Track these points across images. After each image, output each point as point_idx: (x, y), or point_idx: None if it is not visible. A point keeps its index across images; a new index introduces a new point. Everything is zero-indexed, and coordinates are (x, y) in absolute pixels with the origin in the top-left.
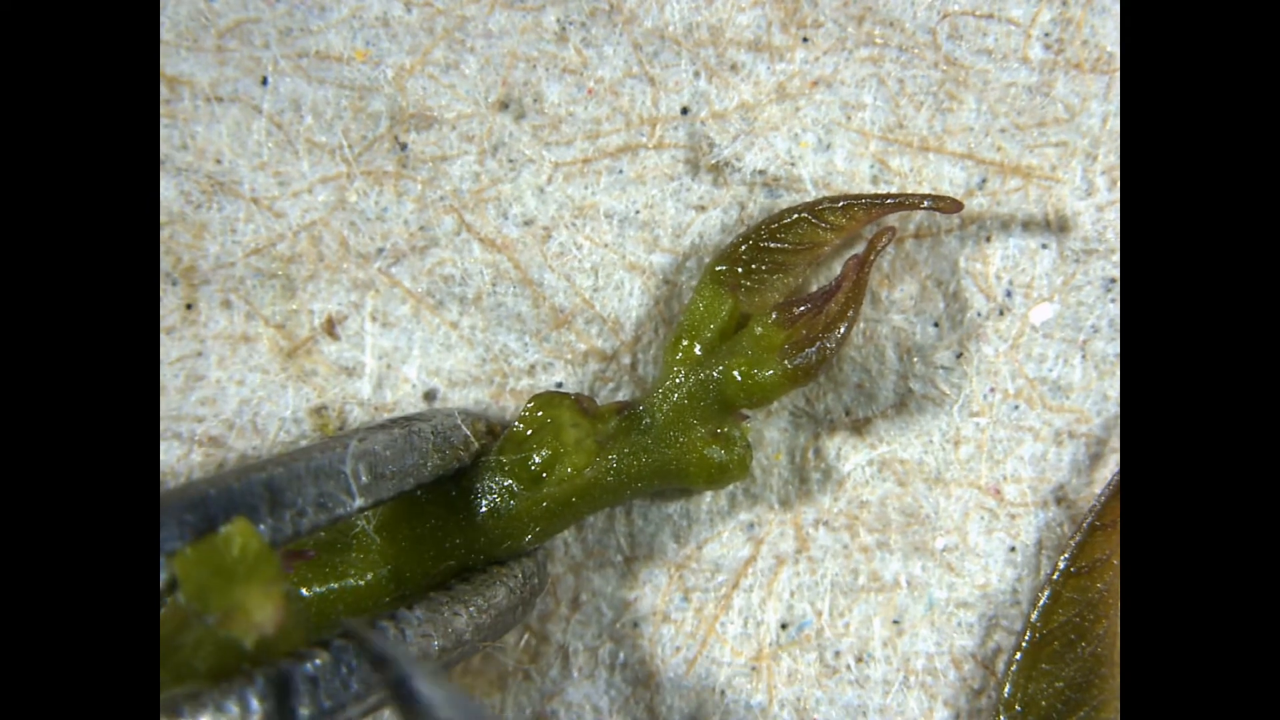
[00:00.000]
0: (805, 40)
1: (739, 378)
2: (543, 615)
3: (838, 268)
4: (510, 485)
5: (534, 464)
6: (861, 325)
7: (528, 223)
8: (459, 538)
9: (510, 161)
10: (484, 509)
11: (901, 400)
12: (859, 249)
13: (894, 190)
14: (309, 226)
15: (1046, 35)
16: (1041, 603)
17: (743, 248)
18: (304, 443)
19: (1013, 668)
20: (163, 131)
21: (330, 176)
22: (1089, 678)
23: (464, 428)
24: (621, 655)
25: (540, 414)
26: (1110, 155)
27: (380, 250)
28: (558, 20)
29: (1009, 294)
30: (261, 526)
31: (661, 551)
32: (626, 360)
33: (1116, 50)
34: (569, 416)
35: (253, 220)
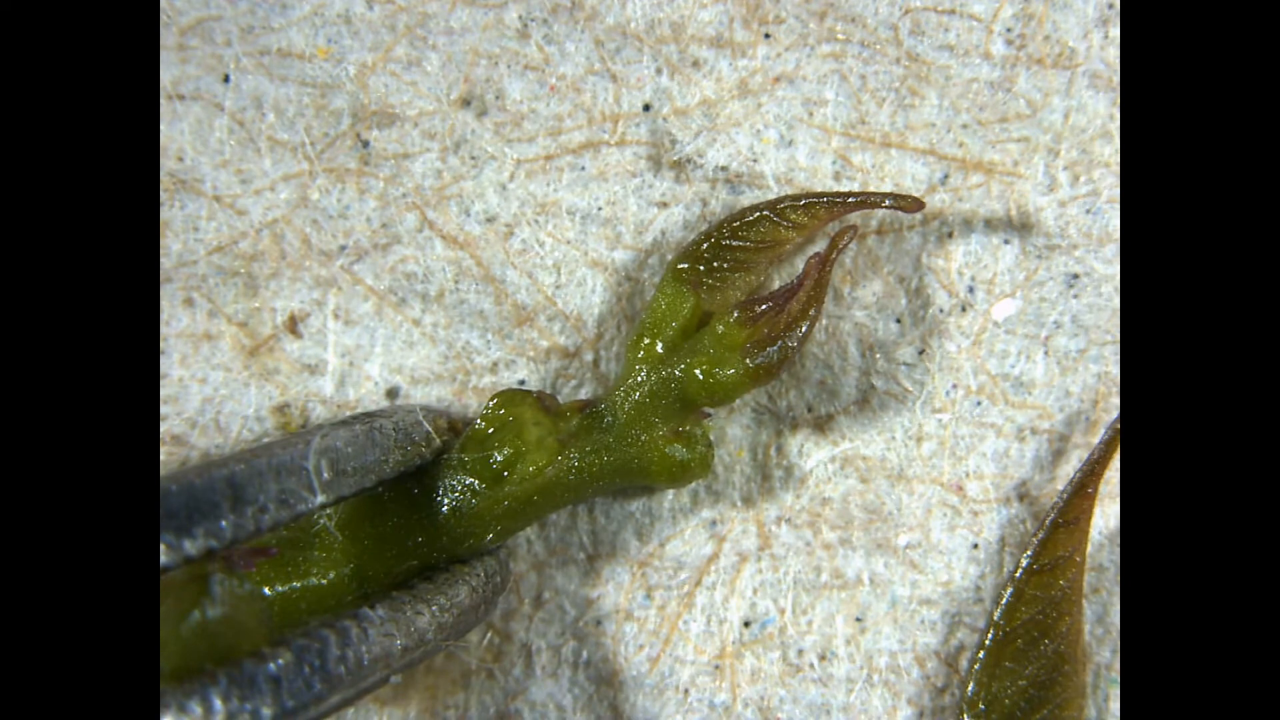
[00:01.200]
0: (767, 36)
1: (701, 376)
2: (506, 613)
3: (800, 265)
4: (472, 483)
5: (495, 462)
6: (824, 322)
7: (490, 220)
8: (421, 535)
9: (472, 158)
10: (446, 507)
11: (864, 397)
12: (822, 246)
13: (856, 187)
14: (271, 224)
15: (1008, 31)
16: (1004, 600)
17: (705, 245)
18: (266, 440)
19: (976, 665)
20: None
21: (292, 174)
22: (1052, 675)
23: (426, 424)
24: (585, 653)
25: (502, 412)
26: (1072, 150)
27: (342, 248)
28: (520, 17)
29: (971, 290)
30: (223, 523)
31: (624, 549)
32: (589, 357)
33: (1079, 45)
34: (531, 414)
35: (215, 218)
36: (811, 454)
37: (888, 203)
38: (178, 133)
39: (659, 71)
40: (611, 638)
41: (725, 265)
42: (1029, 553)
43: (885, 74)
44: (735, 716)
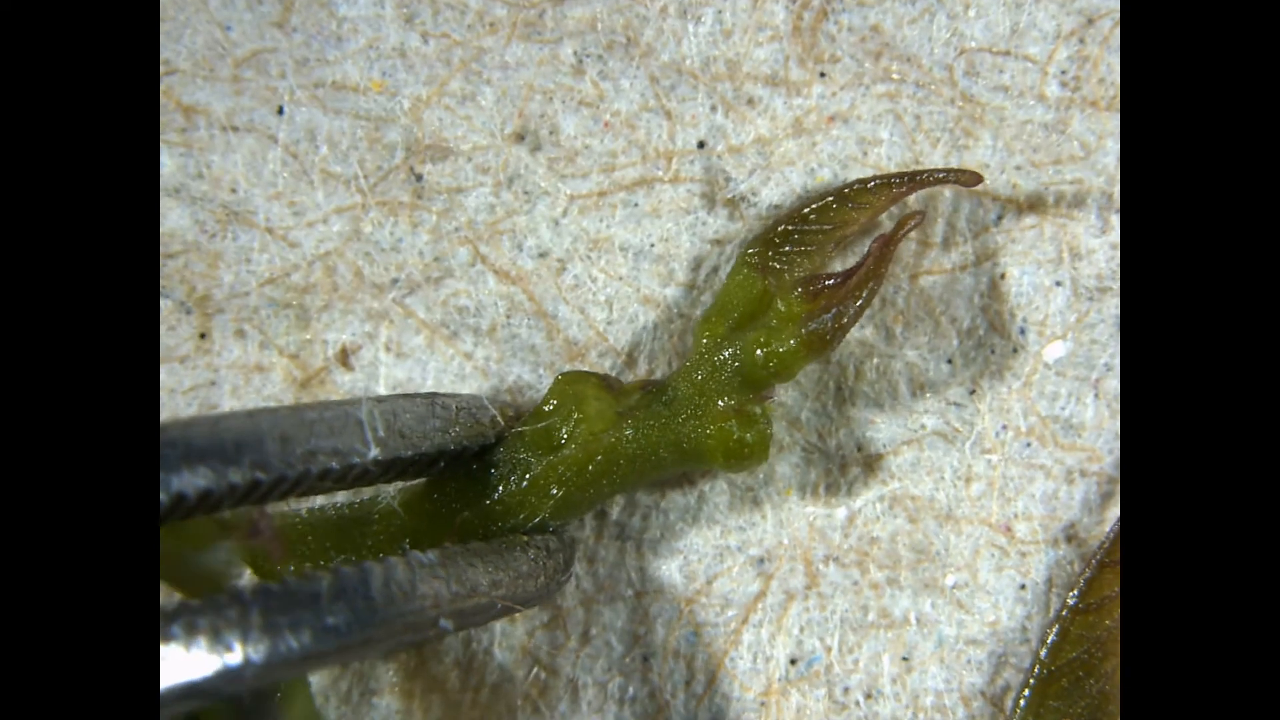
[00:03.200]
0: (822, 75)
1: (758, 350)
2: (552, 649)
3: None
4: (530, 457)
5: (555, 431)
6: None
7: (543, 255)
8: (480, 509)
9: (525, 193)
10: (504, 479)
11: (914, 437)
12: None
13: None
14: (324, 256)
15: (1063, 73)
16: (1050, 640)
17: (775, 232)
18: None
19: (1021, 704)
20: (178, 160)
21: (345, 207)
22: (1096, 715)
23: (491, 408)
24: (631, 690)
25: (565, 389)
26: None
27: (395, 281)
28: (575, 53)
29: (1023, 331)
30: (270, 457)
31: (672, 586)
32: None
33: None
34: (593, 391)
35: (267, 250)
36: (860, 493)
37: (947, 177)
38: (231, 164)
39: (714, 109)
40: (658, 674)
41: (790, 248)
42: (1075, 592)
43: (940, 114)
44: None
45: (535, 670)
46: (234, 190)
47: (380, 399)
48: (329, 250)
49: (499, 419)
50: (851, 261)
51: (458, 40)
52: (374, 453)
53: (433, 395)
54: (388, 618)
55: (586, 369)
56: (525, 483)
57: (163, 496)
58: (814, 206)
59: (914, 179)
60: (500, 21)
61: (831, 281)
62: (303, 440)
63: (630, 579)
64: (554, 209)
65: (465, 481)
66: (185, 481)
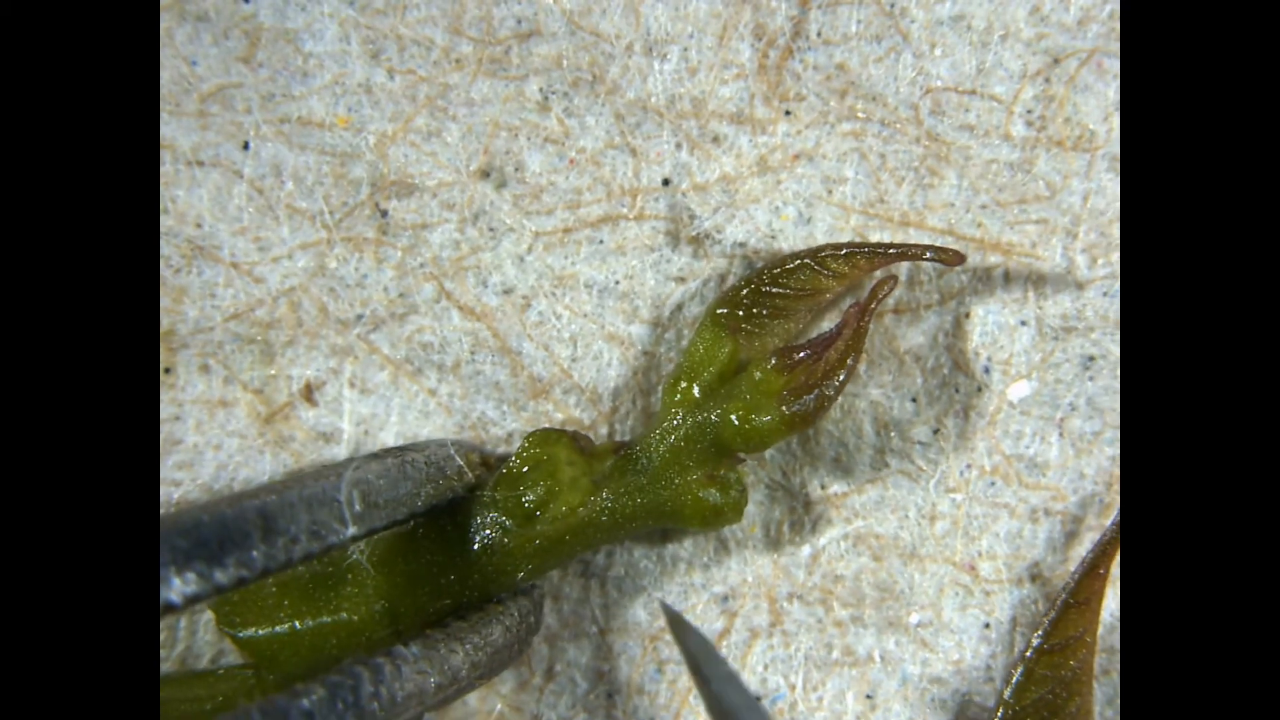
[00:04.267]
0: (787, 114)
1: (736, 422)
2: (518, 685)
3: (838, 313)
4: (504, 521)
5: (528, 501)
6: (839, 399)
7: (507, 291)
8: (454, 573)
9: (491, 230)
10: (478, 545)
11: (878, 475)
12: (861, 296)
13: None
14: (288, 292)
15: (1029, 112)
16: (1015, 679)
17: (744, 291)
18: (296, 473)
19: None
20: None
21: (310, 242)
22: None
23: (458, 458)
24: None
25: (536, 450)
26: (1091, 233)
27: (359, 316)
28: (540, 90)
29: (987, 370)
30: (254, 553)
31: (636, 623)
32: (604, 431)
33: (1099, 128)
34: (565, 454)
35: (232, 285)
36: (824, 531)
37: (928, 254)
38: (196, 199)
39: (679, 146)
40: (622, 711)
41: (764, 312)
42: (1040, 632)
43: (905, 153)
44: None
45: (500, 707)
46: (199, 225)
47: (355, 466)
48: (294, 286)
49: (466, 470)
50: (824, 323)
51: (423, 77)
52: (351, 530)
53: (402, 452)
54: None
55: (557, 428)
56: (501, 553)
57: None
58: (785, 268)
59: (891, 251)
60: (466, 58)
61: (807, 353)
62: (284, 528)
63: (595, 616)
64: (519, 245)
65: (439, 546)
66: (175, 590)
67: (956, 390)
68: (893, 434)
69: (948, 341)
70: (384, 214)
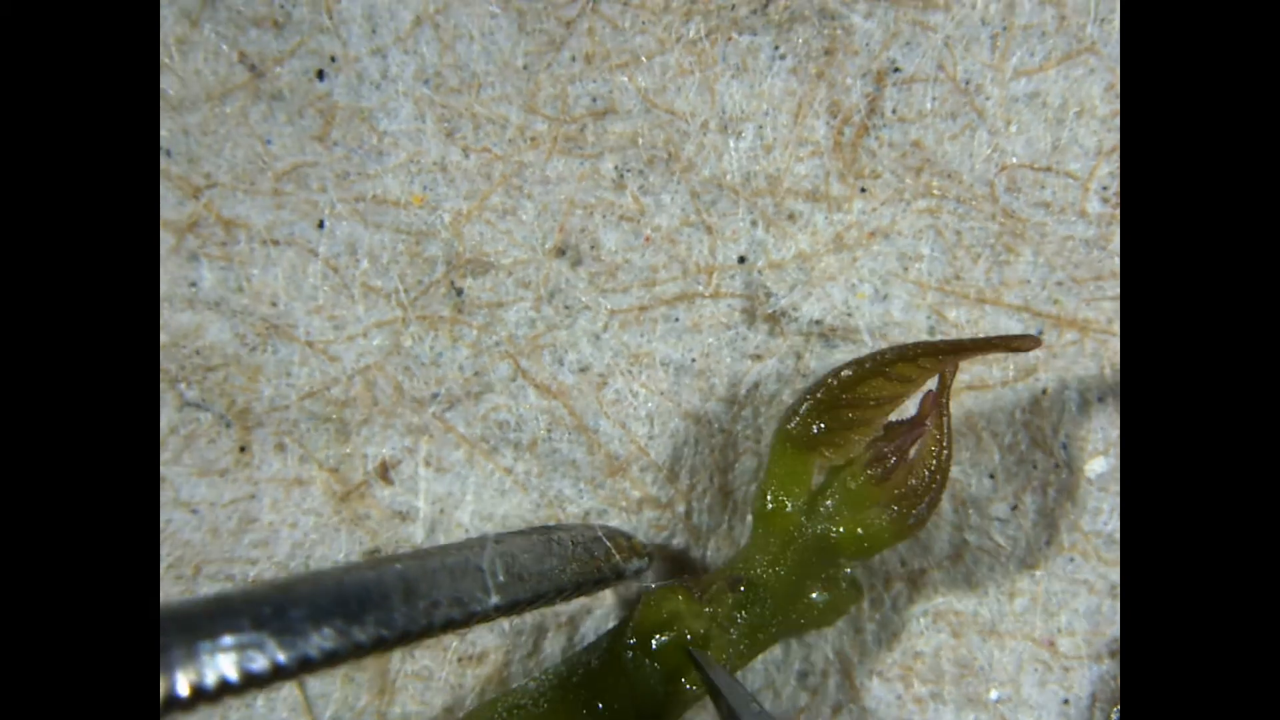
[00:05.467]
0: (863, 191)
1: (848, 539)
2: None
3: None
4: (654, 684)
5: (668, 655)
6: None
7: (583, 369)
8: (616, 709)
9: (566, 308)
10: (638, 698)
11: (957, 552)
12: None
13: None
14: (364, 370)
15: (1104, 189)
16: None
17: (815, 408)
18: (439, 544)
19: None
20: (219, 274)
21: (385, 321)
22: None
23: (606, 541)
24: None
25: (660, 612)
26: None
27: (435, 395)
28: (615, 168)
29: (1065, 446)
30: (395, 614)
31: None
32: (681, 509)
33: None
34: (687, 608)
35: (307, 363)
36: (904, 608)
37: (1000, 346)
38: (272, 278)
39: (754, 224)
40: None
41: (841, 425)
42: (1118, 708)
43: (980, 230)
44: None
45: None
46: (274, 304)
47: (498, 539)
48: (369, 364)
49: (614, 553)
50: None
51: (498, 155)
52: (495, 600)
53: (548, 531)
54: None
55: (669, 584)
56: (659, 700)
57: (283, 658)
58: (847, 376)
59: (959, 347)
60: (541, 136)
61: (896, 459)
62: (425, 593)
63: None
64: (595, 323)
65: (606, 681)
66: (311, 644)
67: (1034, 466)
68: (971, 511)
69: (1025, 418)
70: (459, 292)
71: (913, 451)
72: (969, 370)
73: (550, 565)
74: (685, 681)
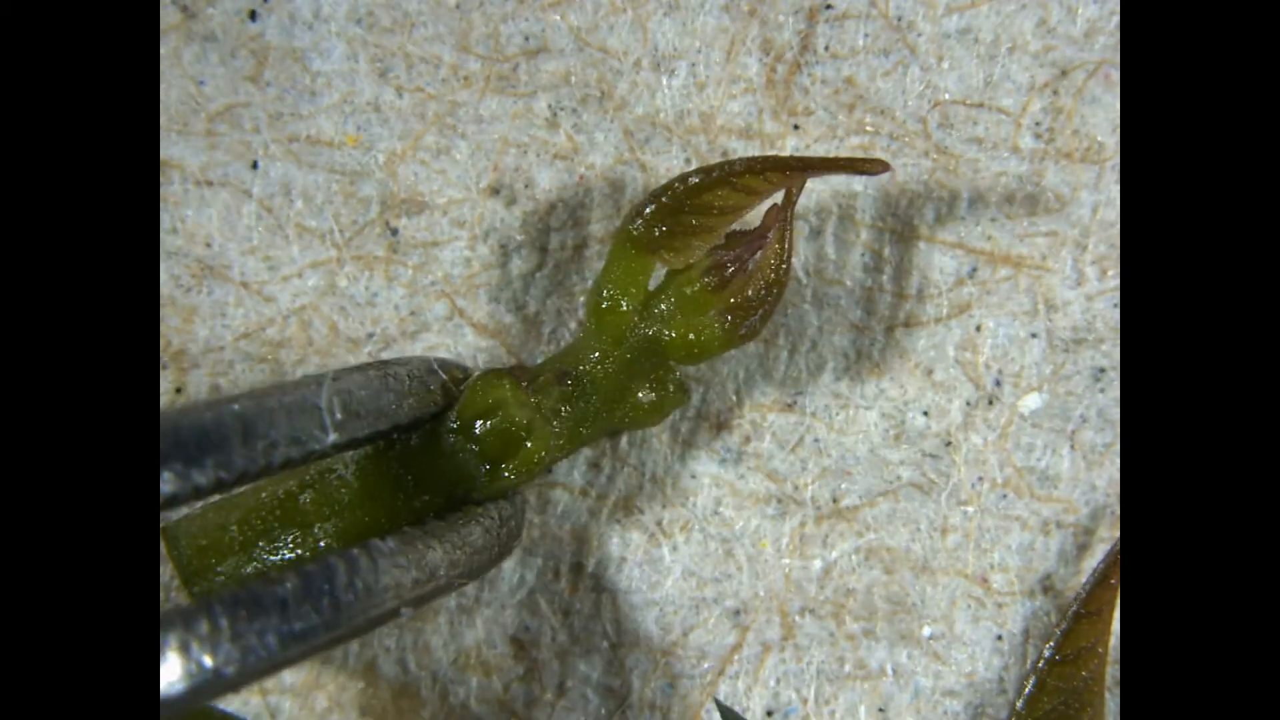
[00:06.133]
0: (796, 128)
1: (679, 343)
2: (528, 702)
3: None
4: (471, 470)
5: (489, 457)
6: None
7: (519, 308)
8: (429, 494)
9: (501, 246)
10: (453, 475)
11: (889, 488)
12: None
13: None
14: (299, 311)
15: (1037, 125)
16: (1027, 691)
17: (659, 211)
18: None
19: None
20: None
21: (320, 261)
22: None
23: (441, 373)
24: None
25: (485, 396)
26: (1100, 245)
27: (370, 335)
28: (549, 106)
29: (998, 383)
30: (234, 456)
31: (647, 638)
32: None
33: (1108, 140)
34: (513, 395)
35: (242, 304)
36: (836, 545)
37: (848, 167)
38: (205, 219)
39: (688, 162)
40: None
41: (681, 230)
42: (1051, 643)
43: (913, 166)
44: None
45: None
46: (209, 245)
47: (335, 376)
48: (304, 305)
49: (450, 385)
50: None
51: (432, 95)
52: (332, 438)
53: (385, 366)
54: (352, 615)
55: (498, 369)
56: (473, 488)
57: None
58: (694, 183)
59: (808, 163)
60: (474, 76)
61: (735, 267)
62: (263, 433)
63: (606, 631)
64: (530, 262)
65: (420, 458)
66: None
67: (968, 403)
68: (904, 447)
69: (958, 355)
70: (394, 232)
71: (752, 263)
72: (903, 308)
73: (387, 401)
74: (504, 468)
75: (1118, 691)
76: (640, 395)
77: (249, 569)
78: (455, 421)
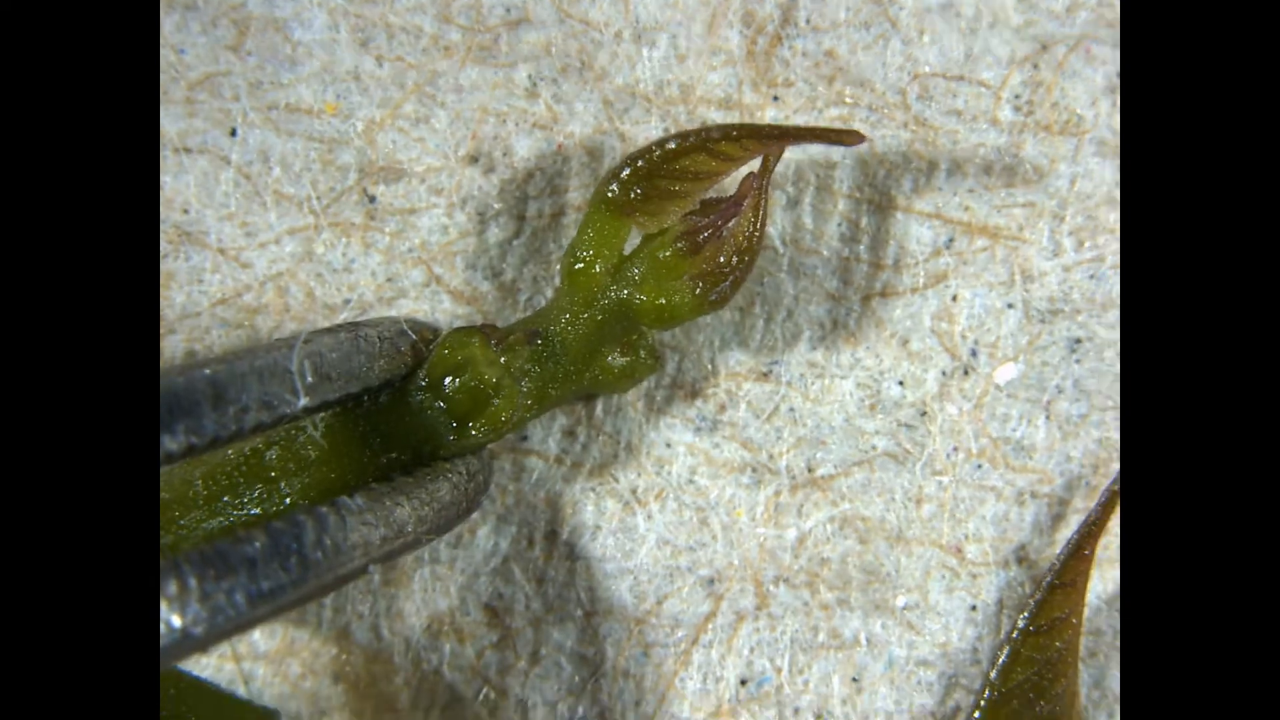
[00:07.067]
0: (775, 99)
1: (650, 306)
2: (501, 669)
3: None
4: (439, 427)
5: (457, 414)
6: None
7: (496, 275)
8: (398, 452)
9: (479, 214)
10: (421, 433)
11: (864, 458)
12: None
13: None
14: (275, 277)
15: (1016, 97)
16: (1001, 661)
17: (634, 175)
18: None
19: None
20: None
21: (298, 228)
22: None
23: (412, 334)
24: (581, 710)
25: (453, 352)
26: (1078, 216)
27: (347, 301)
28: (529, 76)
29: (974, 353)
30: (205, 421)
31: (621, 606)
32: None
33: (1086, 113)
34: (482, 354)
35: (219, 270)
36: (810, 514)
37: (824, 137)
38: (183, 185)
39: (667, 132)
40: (608, 695)
41: (656, 195)
42: (1025, 614)
43: (892, 138)
44: None
45: (485, 690)
46: (186, 211)
47: (306, 339)
48: (281, 271)
49: (420, 346)
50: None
51: (412, 64)
52: (304, 401)
53: (355, 327)
54: (320, 573)
55: (468, 327)
56: (441, 447)
57: None
58: (671, 148)
59: (784, 132)
60: (455, 45)
61: (710, 232)
62: (234, 398)
63: (580, 599)
64: (507, 230)
65: (388, 417)
66: None
67: (943, 373)
68: (879, 416)
69: (934, 325)
70: (372, 199)
71: (726, 230)
72: (879, 278)
73: (358, 363)
74: (472, 426)
75: (1091, 662)
76: (611, 358)
77: (213, 524)
78: (424, 379)
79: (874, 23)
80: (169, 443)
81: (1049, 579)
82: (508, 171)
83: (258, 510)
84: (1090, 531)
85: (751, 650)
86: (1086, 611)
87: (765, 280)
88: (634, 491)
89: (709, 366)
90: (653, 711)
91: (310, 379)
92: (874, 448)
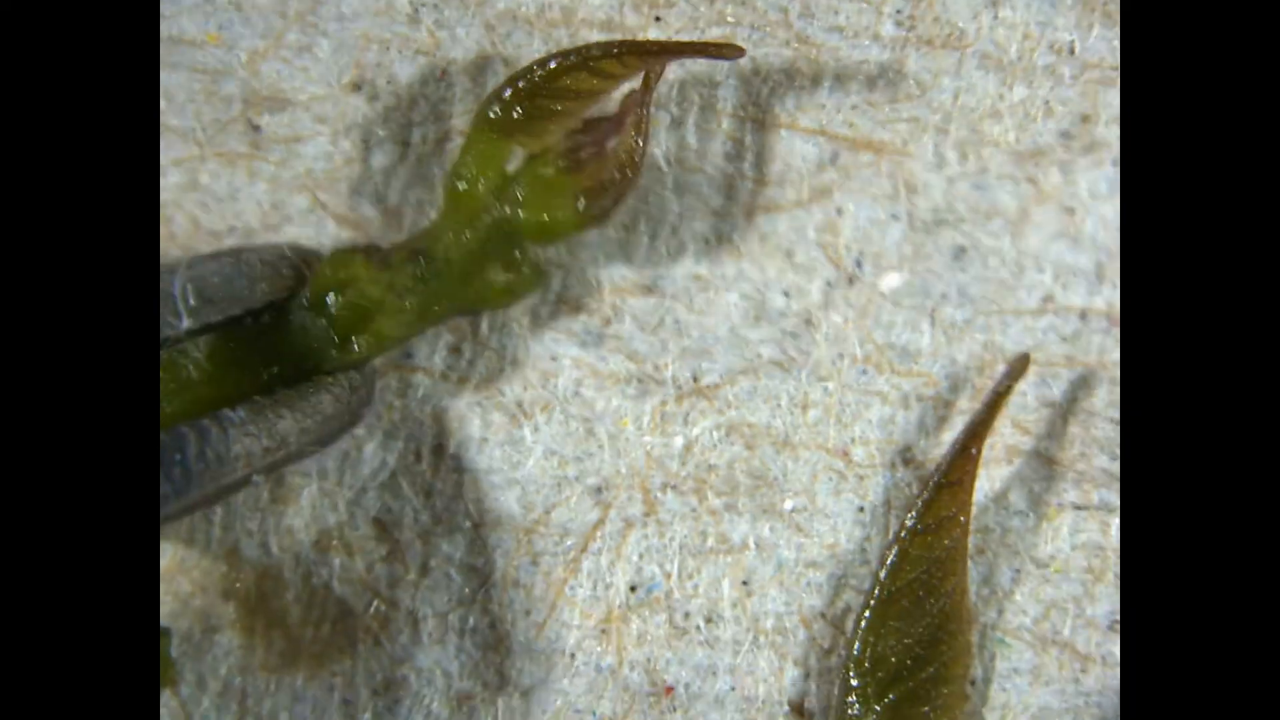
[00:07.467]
0: (657, 19)
1: (532, 223)
2: (391, 581)
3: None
4: (321, 344)
5: (340, 329)
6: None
7: (380, 200)
8: (279, 368)
9: (363, 141)
10: (303, 350)
11: (750, 366)
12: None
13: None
14: (161, 207)
15: (898, 13)
16: (889, 561)
17: (516, 95)
18: None
19: (862, 625)
20: None
21: (182, 159)
22: (938, 634)
23: (293, 257)
24: (471, 620)
25: (335, 272)
26: (962, 129)
27: (232, 229)
28: (410, 2)
29: (859, 264)
30: None
31: (509, 517)
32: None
33: (968, 27)
34: (364, 272)
35: None
36: (697, 422)
37: (704, 51)
38: None
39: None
40: (498, 604)
41: (538, 114)
42: (913, 513)
43: (776, 56)
44: (622, 679)
45: (375, 604)
46: None
47: (189, 264)
48: (165, 200)
49: (303, 269)
50: None
51: None
52: (186, 324)
53: (238, 252)
54: (203, 483)
55: (349, 247)
56: (323, 363)
57: None
58: (552, 67)
59: (664, 47)
60: None
61: (593, 150)
62: None
63: (468, 511)
64: (392, 156)
65: (266, 350)
66: None
67: (828, 283)
68: (764, 325)
69: (819, 237)
70: (256, 129)
71: (608, 147)
72: (764, 193)
73: (240, 286)
74: (354, 341)
75: (980, 559)
76: (494, 275)
77: None
78: (307, 298)
79: None
80: None
81: (936, 478)
82: (391, 98)
83: None
84: (976, 430)
85: (640, 556)
86: (974, 510)
87: (650, 199)
88: (520, 404)
89: (594, 282)
90: (543, 620)
91: (193, 302)
92: (759, 356)
